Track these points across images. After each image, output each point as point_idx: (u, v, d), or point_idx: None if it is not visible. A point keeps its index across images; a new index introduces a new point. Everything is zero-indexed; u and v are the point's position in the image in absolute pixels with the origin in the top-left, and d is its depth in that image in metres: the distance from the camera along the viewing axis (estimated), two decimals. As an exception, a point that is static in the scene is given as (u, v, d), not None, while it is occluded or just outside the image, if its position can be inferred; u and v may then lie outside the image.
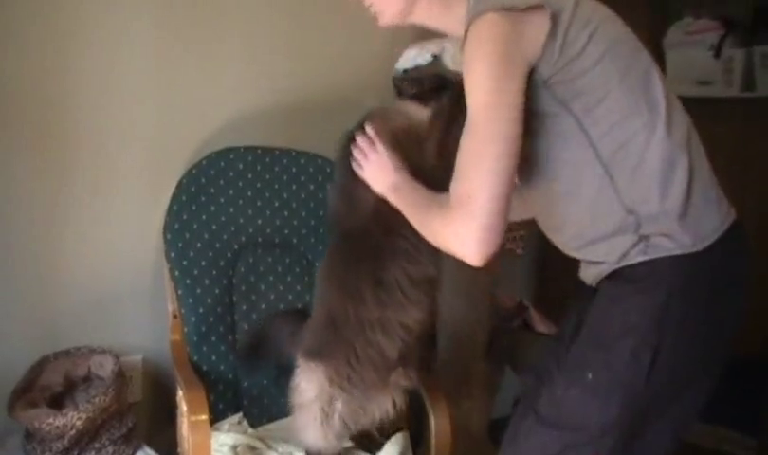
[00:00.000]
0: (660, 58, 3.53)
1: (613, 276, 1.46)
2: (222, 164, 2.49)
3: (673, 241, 1.40)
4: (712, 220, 1.44)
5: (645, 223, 1.41)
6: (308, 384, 1.94)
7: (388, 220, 1.72)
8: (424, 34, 2.87)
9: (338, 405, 1.94)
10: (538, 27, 1.36)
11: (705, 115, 3.58)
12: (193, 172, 2.47)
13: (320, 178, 2.56)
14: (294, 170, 2.55)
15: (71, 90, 2.37)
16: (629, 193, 1.42)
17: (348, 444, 2.20)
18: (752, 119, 3.48)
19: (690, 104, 3.46)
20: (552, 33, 1.36)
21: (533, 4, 1.37)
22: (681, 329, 1.39)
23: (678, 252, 1.39)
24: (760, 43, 3.30)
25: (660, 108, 1.44)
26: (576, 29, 1.41)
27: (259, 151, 2.53)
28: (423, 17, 1.65)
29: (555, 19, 1.37)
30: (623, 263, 1.43)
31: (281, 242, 2.52)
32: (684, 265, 1.39)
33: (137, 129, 2.47)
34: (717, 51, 3.40)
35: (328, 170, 2.56)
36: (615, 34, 1.50)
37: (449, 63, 2.54)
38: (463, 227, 1.35)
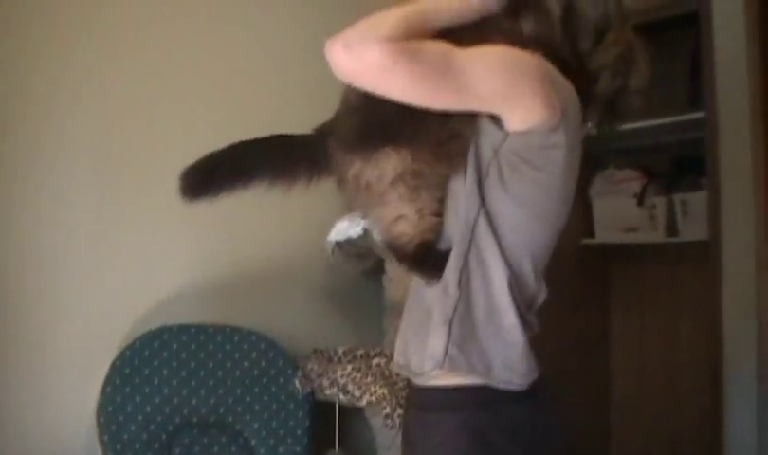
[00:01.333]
0: (587, 207, 3.72)
1: None
2: (156, 344, 2.54)
3: None
4: None
5: None
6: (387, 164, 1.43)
7: None
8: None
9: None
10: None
11: (635, 260, 3.81)
12: (127, 353, 2.51)
13: (254, 355, 2.62)
14: (228, 347, 2.60)
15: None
16: None
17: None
18: (679, 263, 3.64)
19: (620, 250, 3.67)
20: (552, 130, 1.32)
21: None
22: None
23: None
24: (680, 190, 3.50)
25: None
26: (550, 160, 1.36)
27: (193, 329, 2.58)
28: None
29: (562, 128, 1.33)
30: None
31: (216, 421, 2.54)
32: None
33: (70, 310, 2.52)
34: (640, 199, 3.61)
35: (262, 345, 2.63)
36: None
37: (378, 236, 2.65)
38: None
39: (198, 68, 2.81)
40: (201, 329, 2.62)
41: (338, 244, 2.88)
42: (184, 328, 2.60)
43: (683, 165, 3.65)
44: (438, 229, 1.40)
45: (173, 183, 2.71)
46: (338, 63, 1.21)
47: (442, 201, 1.40)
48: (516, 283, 1.37)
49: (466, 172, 1.36)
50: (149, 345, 2.53)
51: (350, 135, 1.39)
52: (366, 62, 1.17)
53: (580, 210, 3.66)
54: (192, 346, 2.59)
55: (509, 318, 1.35)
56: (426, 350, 1.37)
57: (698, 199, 3.34)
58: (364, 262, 2.97)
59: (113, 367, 2.48)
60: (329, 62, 1.22)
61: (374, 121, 1.35)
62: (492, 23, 1.36)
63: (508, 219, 1.36)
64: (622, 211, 3.65)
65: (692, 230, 3.40)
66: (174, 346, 2.56)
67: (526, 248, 1.39)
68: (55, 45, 2.50)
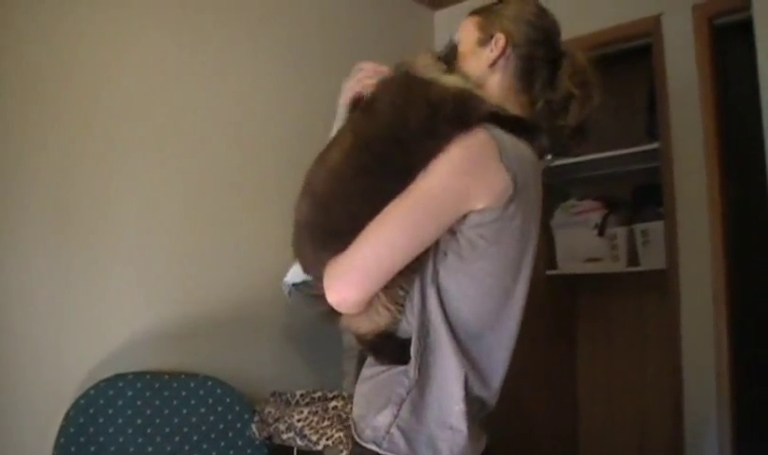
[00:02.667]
0: (549, 239, 3.77)
1: None
2: (110, 392, 2.55)
3: None
4: None
5: None
6: None
7: None
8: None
9: None
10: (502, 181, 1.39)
11: (598, 290, 3.87)
12: (81, 402, 2.52)
13: (210, 400, 2.64)
14: (184, 393, 2.62)
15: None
16: None
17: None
18: (642, 292, 3.71)
19: (582, 281, 3.72)
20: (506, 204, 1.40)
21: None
22: None
23: None
24: (640, 220, 3.58)
25: None
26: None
27: (148, 376, 2.60)
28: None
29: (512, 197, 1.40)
30: None
31: (173, 469, 2.53)
32: None
33: (21, 359, 2.52)
34: (601, 230, 3.66)
35: (219, 391, 2.66)
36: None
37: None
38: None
39: (153, 118, 2.83)
40: (156, 376, 2.63)
41: (295, 285, 2.90)
42: (139, 375, 2.61)
43: (643, 194, 3.72)
44: (397, 319, 1.45)
45: (125, 228, 2.75)
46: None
47: (406, 291, 1.44)
48: (473, 374, 1.42)
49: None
50: (104, 393, 2.54)
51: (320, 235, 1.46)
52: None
53: (543, 242, 3.71)
54: (148, 393, 2.60)
55: (459, 405, 1.40)
56: (372, 419, 1.42)
57: (658, 228, 3.41)
58: (322, 303, 2.99)
59: (67, 417, 2.48)
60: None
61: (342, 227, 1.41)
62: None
63: (467, 297, 1.42)
64: (584, 242, 3.73)
65: (653, 259, 3.47)
66: (129, 394, 2.57)
67: (484, 329, 1.45)
68: (10, 85, 2.51)
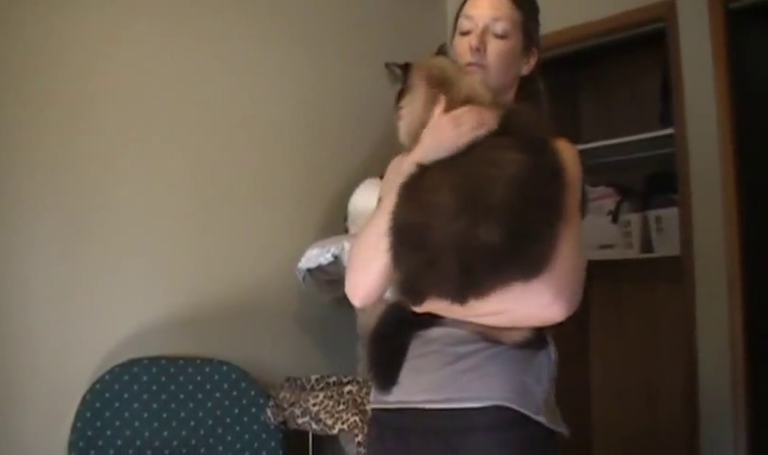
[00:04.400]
0: (562, 226, 3.77)
1: None
2: (126, 377, 2.58)
3: None
4: None
5: None
6: None
7: None
8: (326, 229, 3.08)
9: None
10: None
11: (611, 277, 3.87)
12: (97, 387, 2.56)
13: (225, 385, 2.67)
14: (199, 378, 2.65)
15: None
16: None
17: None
18: (655, 279, 3.71)
19: (595, 267, 3.73)
20: None
21: None
22: None
23: None
24: (654, 207, 3.59)
25: None
26: None
27: (163, 361, 2.63)
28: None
29: None
30: None
31: (188, 453, 2.60)
32: None
33: (38, 345, 2.56)
34: (615, 216, 3.68)
35: (234, 376, 2.68)
36: None
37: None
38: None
39: (161, 108, 2.85)
40: (171, 361, 2.66)
41: (310, 271, 2.94)
42: (154, 360, 2.64)
43: (656, 181, 3.72)
44: None
45: (139, 217, 2.78)
46: None
47: None
48: None
49: None
50: (119, 378, 2.58)
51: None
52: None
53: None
54: (163, 378, 2.64)
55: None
56: (532, 395, 1.44)
57: (672, 215, 3.41)
58: (336, 289, 3.02)
59: (83, 401, 2.52)
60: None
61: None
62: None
63: None
64: (597, 229, 3.72)
65: (667, 246, 3.48)
66: (145, 379, 2.61)
67: None
68: (20, 91, 2.54)
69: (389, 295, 1.44)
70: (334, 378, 2.82)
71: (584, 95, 4.34)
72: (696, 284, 3.08)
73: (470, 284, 1.25)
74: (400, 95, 1.52)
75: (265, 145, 3.14)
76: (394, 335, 1.47)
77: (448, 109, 1.40)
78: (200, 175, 2.92)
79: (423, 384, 1.43)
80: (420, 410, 1.43)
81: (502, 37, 1.58)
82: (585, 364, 4.03)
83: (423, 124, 1.42)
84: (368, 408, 1.62)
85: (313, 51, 3.37)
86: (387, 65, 1.58)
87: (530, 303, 1.30)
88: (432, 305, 1.35)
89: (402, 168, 1.37)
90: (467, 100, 1.41)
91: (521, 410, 1.40)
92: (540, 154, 1.30)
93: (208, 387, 2.70)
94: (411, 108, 1.48)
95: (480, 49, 1.56)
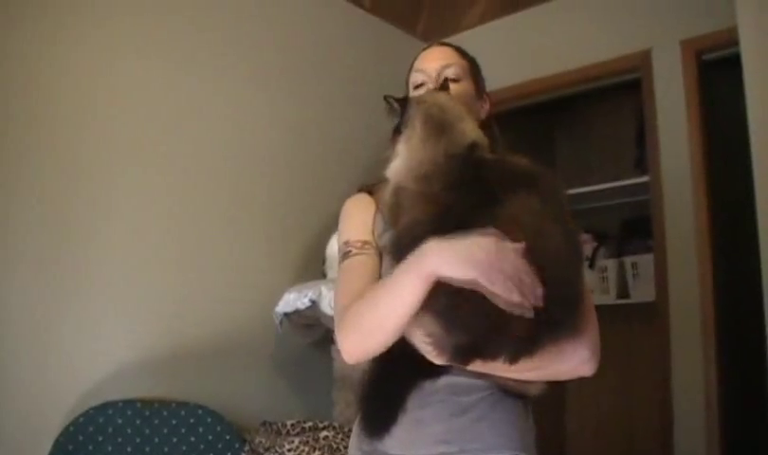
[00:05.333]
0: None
1: None
2: (100, 420, 2.56)
3: None
4: None
5: None
6: None
7: None
8: (303, 273, 3.09)
9: None
10: None
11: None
12: (70, 429, 2.52)
13: (200, 429, 2.65)
14: (174, 422, 2.63)
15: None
16: None
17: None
18: (631, 324, 3.76)
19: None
20: None
21: None
22: None
23: None
24: (629, 253, 3.63)
25: None
26: None
27: (138, 404, 2.61)
28: None
29: None
30: None
31: (162, 498, 2.53)
32: None
33: (10, 387, 2.51)
34: (591, 262, 3.71)
35: (209, 420, 2.67)
36: None
37: (327, 307, 2.71)
38: None
39: (141, 146, 2.86)
40: (146, 404, 2.64)
41: (287, 315, 2.94)
42: (129, 403, 2.61)
43: (632, 227, 3.78)
44: None
45: (116, 256, 2.77)
46: None
47: None
48: None
49: None
50: (93, 421, 2.54)
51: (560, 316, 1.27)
52: None
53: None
54: (137, 421, 2.60)
55: None
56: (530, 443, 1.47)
57: (648, 261, 3.46)
58: (313, 333, 3.02)
59: (56, 444, 2.48)
60: None
61: None
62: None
63: None
64: (574, 275, 3.75)
65: (642, 292, 3.52)
66: (119, 421, 2.57)
67: None
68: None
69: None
70: (310, 423, 2.80)
71: (560, 141, 4.43)
72: (670, 328, 3.12)
73: (532, 347, 1.24)
74: (396, 130, 1.52)
75: (243, 187, 3.15)
76: (393, 384, 1.41)
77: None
78: (178, 216, 2.92)
79: (433, 435, 1.39)
80: None
81: (455, 80, 1.62)
82: (561, 404, 4.05)
83: (420, 163, 1.38)
84: None
85: (293, 91, 3.40)
86: (385, 98, 1.58)
87: (572, 360, 1.33)
88: (479, 364, 1.29)
89: (430, 259, 1.23)
90: (473, 146, 1.39)
91: None
92: (568, 221, 1.32)
93: (183, 430, 2.67)
94: (408, 145, 1.44)
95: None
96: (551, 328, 1.23)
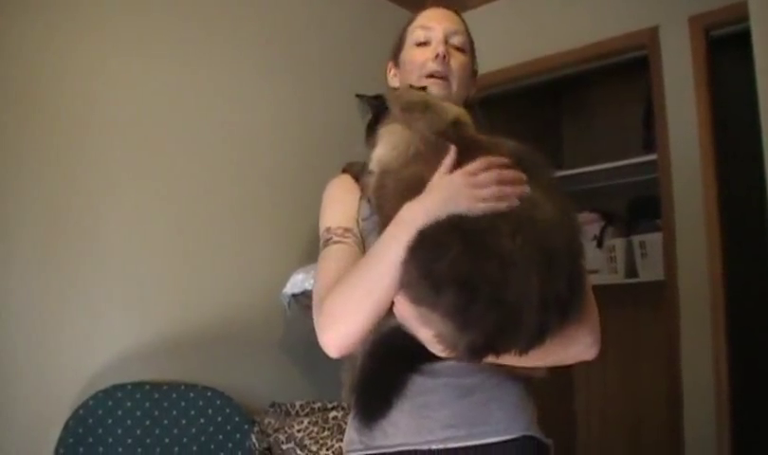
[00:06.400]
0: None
1: None
2: (109, 403, 2.57)
3: None
4: None
5: None
6: None
7: None
8: (309, 254, 3.09)
9: None
10: None
11: (597, 302, 3.89)
12: (80, 412, 2.54)
13: (210, 411, 2.66)
14: (183, 404, 2.64)
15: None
16: None
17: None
18: (639, 304, 3.75)
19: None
20: None
21: None
22: None
23: None
24: (637, 232, 3.62)
25: None
26: None
27: (147, 387, 2.62)
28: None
29: None
30: None
31: (172, 480, 2.55)
32: None
33: (20, 369, 2.52)
34: (599, 242, 3.70)
35: (218, 402, 2.68)
36: None
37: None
38: None
39: (145, 134, 2.86)
40: (155, 387, 2.65)
41: (295, 296, 2.94)
42: (138, 386, 2.62)
43: (639, 206, 3.77)
44: None
45: (123, 240, 2.77)
46: None
47: None
48: None
49: None
50: (102, 404, 2.55)
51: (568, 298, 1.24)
52: None
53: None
54: (147, 404, 2.62)
55: None
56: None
57: (656, 240, 3.45)
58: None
59: (66, 427, 2.49)
60: None
61: None
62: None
63: None
64: (582, 254, 3.74)
65: (651, 271, 3.51)
66: (128, 404, 2.59)
67: None
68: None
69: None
70: (319, 404, 2.82)
71: (567, 121, 4.41)
72: (680, 309, 3.11)
73: (542, 335, 1.20)
74: (370, 126, 1.49)
75: (247, 171, 3.15)
76: (391, 369, 1.36)
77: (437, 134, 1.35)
78: (183, 200, 2.92)
79: (439, 420, 1.34)
80: (440, 451, 1.33)
81: (461, 50, 1.58)
82: (569, 391, 4.05)
83: (408, 144, 1.37)
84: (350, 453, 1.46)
85: (296, 80, 3.39)
86: (358, 96, 1.56)
87: (576, 346, 1.30)
88: (491, 357, 1.26)
89: (406, 214, 1.25)
90: (456, 122, 1.38)
91: (539, 437, 1.40)
92: (565, 200, 1.29)
93: (192, 413, 2.68)
94: (391, 132, 1.42)
95: (446, 57, 1.54)
96: (559, 309, 1.19)
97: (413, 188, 1.30)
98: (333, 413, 2.66)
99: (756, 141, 2.45)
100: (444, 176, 1.27)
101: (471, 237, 1.19)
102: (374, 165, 1.43)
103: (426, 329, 1.23)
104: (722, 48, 3.16)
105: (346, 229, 1.47)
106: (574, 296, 1.21)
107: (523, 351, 1.21)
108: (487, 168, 1.25)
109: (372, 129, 1.47)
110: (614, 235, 3.78)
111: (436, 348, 1.24)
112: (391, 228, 1.27)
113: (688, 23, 3.16)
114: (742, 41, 2.56)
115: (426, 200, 1.25)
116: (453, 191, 1.23)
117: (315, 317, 1.37)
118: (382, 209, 1.38)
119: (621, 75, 3.67)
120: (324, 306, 1.34)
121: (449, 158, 1.28)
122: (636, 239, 3.68)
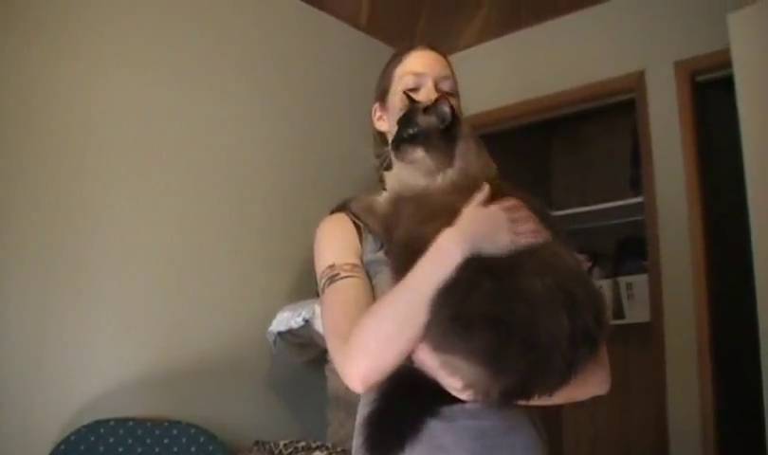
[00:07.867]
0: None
1: None
2: (92, 439, 2.55)
3: None
4: None
5: None
6: None
7: None
8: (297, 292, 3.09)
9: None
10: None
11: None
12: (62, 448, 2.52)
13: (193, 449, 2.65)
14: (166, 441, 2.62)
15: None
16: None
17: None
18: (628, 342, 3.75)
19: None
20: None
21: None
22: None
23: None
24: (624, 273, 3.63)
25: None
26: None
27: (130, 423, 2.60)
28: None
29: None
30: None
31: (153, 519, 2.52)
32: None
33: (1, 401, 2.48)
34: (586, 283, 3.69)
35: (201, 439, 2.66)
36: None
37: (320, 327, 2.70)
38: None
39: (138, 162, 2.86)
40: (139, 423, 2.63)
41: (281, 334, 2.94)
42: (121, 422, 2.60)
43: (625, 247, 3.80)
44: None
45: (108, 274, 2.76)
46: None
47: None
48: None
49: None
50: (85, 440, 2.53)
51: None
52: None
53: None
54: (130, 440, 2.59)
55: None
56: None
57: (642, 281, 3.46)
58: (306, 352, 3.02)
59: (46, 463, 2.46)
60: None
61: None
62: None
63: None
64: (569, 294, 3.76)
65: (637, 312, 3.53)
66: (111, 440, 2.56)
67: None
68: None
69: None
70: (303, 443, 2.79)
71: (555, 160, 4.45)
72: (666, 349, 3.13)
73: (569, 376, 1.19)
74: (402, 142, 1.42)
75: (237, 206, 3.15)
76: (406, 411, 1.29)
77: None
78: (172, 235, 2.92)
79: None
80: None
81: (451, 95, 1.55)
82: (557, 424, 4.04)
83: (467, 176, 1.37)
84: None
85: (290, 111, 3.42)
86: (409, 98, 1.52)
87: (592, 383, 1.30)
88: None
89: (445, 241, 1.23)
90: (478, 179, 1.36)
91: None
92: (573, 252, 1.31)
93: (175, 449, 2.66)
94: (465, 156, 1.39)
95: None
96: (588, 345, 1.18)
97: (438, 215, 1.28)
98: (317, 453, 2.64)
99: (740, 182, 2.49)
100: (479, 208, 1.27)
101: (500, 277, 1.17)
102: (401, 182, 1.43)
103: (454, 379, 1.21)
104: (708, 92, 3.21)
105: (354, 265, 1.42)
106: (601, 330, 1.20)
107: (552, 391, 1.20)
108: (522, 207, 1.27)
109: (407, 143, 1.43)
110: (601, 276, 3.80)
111: (464, 395, 1.21)
112: (429, 260, 1.23)
113: (674, 67, 3.21)
114: (727, 85, 2.62)
115: (465, 229, 1.24)
116: (495, 222, 1.24)
117: (337, 348, 1.30)
118: (390, 236, 1.37)
119: (610, 114, 3.72)
120: (353, 338, 1.26)
121: (483, 194, 1.29)
122: (623, 280, 3.70)
